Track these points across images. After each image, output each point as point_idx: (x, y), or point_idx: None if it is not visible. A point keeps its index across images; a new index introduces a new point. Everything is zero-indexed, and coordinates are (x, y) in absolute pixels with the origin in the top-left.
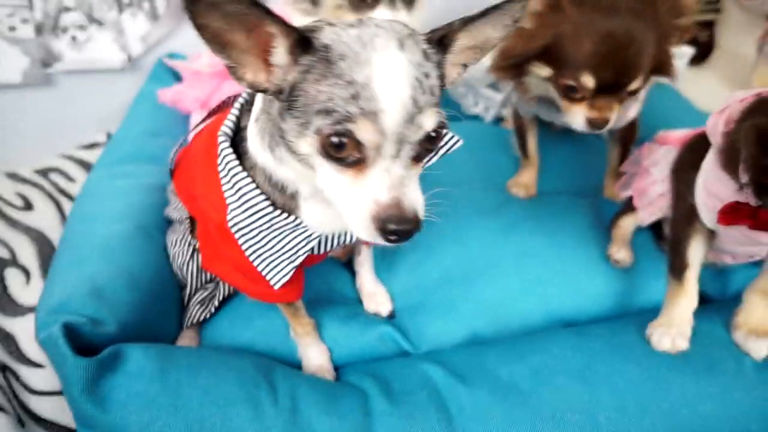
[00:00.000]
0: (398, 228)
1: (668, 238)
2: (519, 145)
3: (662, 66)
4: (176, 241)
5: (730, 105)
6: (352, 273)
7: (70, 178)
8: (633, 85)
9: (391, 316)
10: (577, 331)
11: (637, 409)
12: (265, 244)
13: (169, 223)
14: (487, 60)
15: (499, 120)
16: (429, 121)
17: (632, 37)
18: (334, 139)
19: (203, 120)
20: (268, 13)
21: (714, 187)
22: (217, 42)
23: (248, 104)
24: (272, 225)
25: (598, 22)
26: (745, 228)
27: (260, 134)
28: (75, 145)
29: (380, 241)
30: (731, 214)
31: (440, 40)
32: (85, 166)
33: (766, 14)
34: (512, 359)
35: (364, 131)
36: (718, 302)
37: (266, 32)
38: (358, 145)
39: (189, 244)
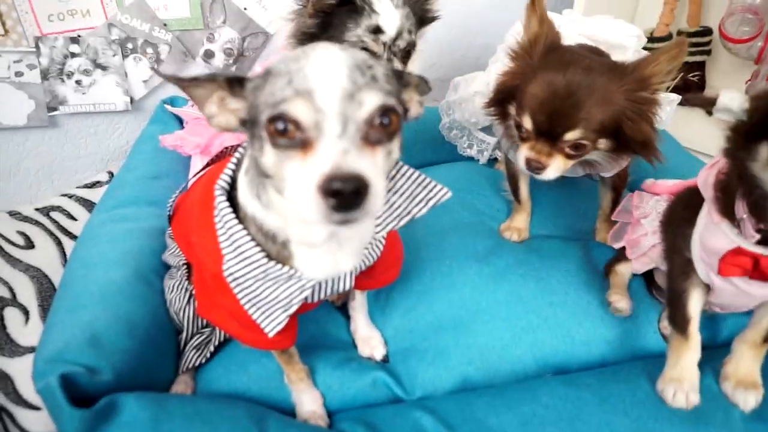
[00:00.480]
0: (340, 187)
1: (666, 292)
2: (512, 190)
3: (643, 144)
4: (173, 286)
5: (721, 159)
6: (347, 317)
7: (71, 216)
8: (568, 136)
9: (385, 360)
10: (567, 380)
11: None
12: (260, 294)
13: (166, 267)
14: (481, 104)
15: (493, 161)
16: (370, 98)
17: (573, 91)
18: (278, 125)
19: (202, 169)
20: (205, 79)
21: (711, 242)
22: (195, 101)
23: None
24: (267, 275)
25: (551, 71)
26: (740, 281)
27: (249, 184)
28: (76, 183)
29: (330, 217)
30: (732, 263)
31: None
32: (87, 204)
33: (753, 58)
34: (502, 408)
35: (299, 109)
36: (708, 349)
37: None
38: (296, 123)
39: (186, 290)
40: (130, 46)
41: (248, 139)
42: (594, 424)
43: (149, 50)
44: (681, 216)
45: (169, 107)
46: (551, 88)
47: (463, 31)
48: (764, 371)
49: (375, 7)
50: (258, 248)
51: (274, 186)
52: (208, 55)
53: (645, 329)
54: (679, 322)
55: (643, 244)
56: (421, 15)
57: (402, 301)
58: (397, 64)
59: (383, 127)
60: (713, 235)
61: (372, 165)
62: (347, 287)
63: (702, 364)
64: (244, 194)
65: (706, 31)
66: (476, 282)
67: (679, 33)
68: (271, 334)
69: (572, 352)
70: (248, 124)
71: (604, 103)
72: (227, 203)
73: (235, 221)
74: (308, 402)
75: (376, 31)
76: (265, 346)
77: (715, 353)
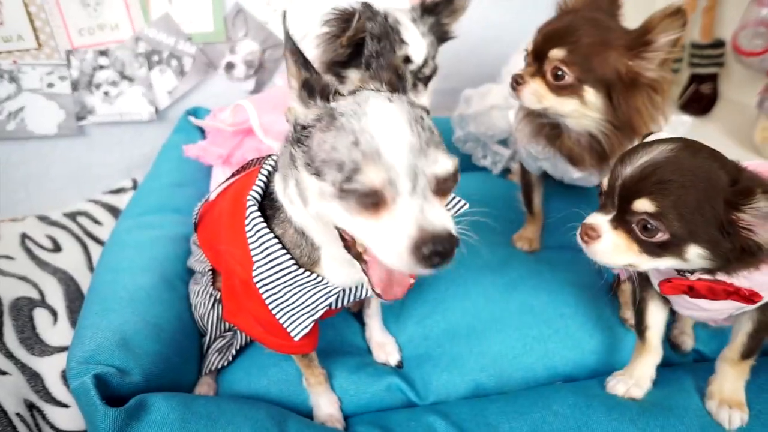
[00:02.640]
0: (436, 249)
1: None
2: (525, 201)
3: (631, 120)
4: (198, 292)
5: None
6: (362, 323)
7: (97, 221)
8: (552, 53)
9: (400, 366)
10: (576, 388)
11: None
12: (288, 299)
13: (191, 273)
14: (498, 121)
15: (506, 171)
16: (440, 155)
17: (575, 23)
18: (352, 189)
19: (228, 179)
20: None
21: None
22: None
23: (275, 169)
24: (296, 281)
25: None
26: (685, 298)
27: (282, 182)
28: (102, 190)
29: (424, 271)
30: (669, 285)
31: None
32: (112, 210)
33: (766, 70)
34: (514, 415)
35: (373, 174)
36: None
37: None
38: (375, 194)
39: (210, 295)
40: (155, 58)
41: (291, 154)
42: (601, 430)
43: (174, 62)
44: None
45: (192, 119)
46: (559, 17)
47: (478, 42)
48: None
49: (404, 37)
50: (288, 255)
51: (315, 218)
52: (230, 67)
53: None
54: (639, 329)
55: None
56: (440, 36)
57: (417, 309)
58: (421, 88)
59: (447, 178)
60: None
61: (442, 207)
62: (369, 293)
63: (706, 377)
64: (279, 192)
65: (719, 44)
66: (490, 292)
67: (693, 46)
68: (297, 338)
69: (582, 362)
70: (298, 131)
71: (599, 44)
72: (259, 214)
73: (267, 230)
74: (325, 405)
75: (406, 60)
76: (289, 351)
77: None
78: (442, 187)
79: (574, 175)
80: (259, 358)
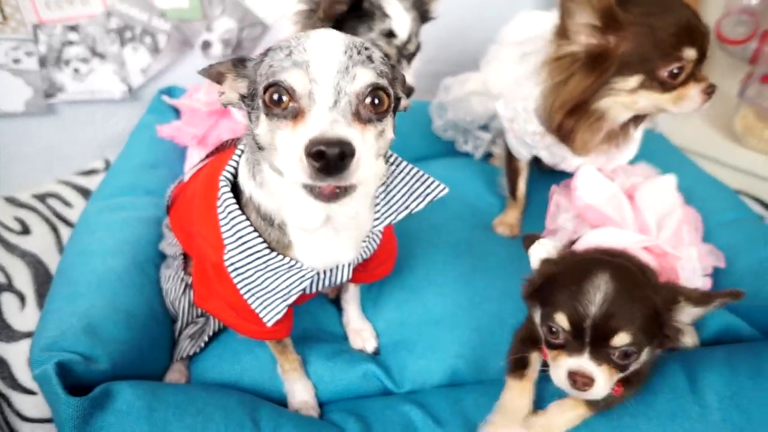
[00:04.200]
0: (324, 149)
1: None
2: (509, 186)
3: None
4: (169, 276)
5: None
6: (340, 309)
7: (67, 203)
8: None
9: (376, 353)
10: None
11: None
12: (261, 284)
13: (163, 257)
14: (477, 106)
15: (487, 156)
16: (363, 74)
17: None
18: (274, 95)
19: (202, 160)
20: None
21: None
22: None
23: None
24: (268, 265)
25: (669, 12)
26: None
27: (246, 164)
28: (73, 171)
29: (313, 178)
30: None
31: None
32: (83, 192)
33: (748, 58)
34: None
35: (294, 78)
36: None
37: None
38: (291, 92)
39: (182, 280)
40: (128, 34)
41: (247, 115)
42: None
43: (147, 39)
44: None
45: (166, 98)
46: (683, 12)
47: (462, 26)
48: None
49: (387, 11)
50: (260, 238)
51: (266, 160)
52: (207, 45)
53: None
54: (514, 367)
55: None
56: (422, 15)
57: (394, 295)
58: (406, 67)
59: (374, 105)
60: None
61: (360, 137)
62: (345, 279)
63: (676, 365)
64: (243, 176)
65: None
66: (469, 277)
67: None
68: (269, 324)
69: None
70: (248, 98)
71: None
72: (231, 194)
73: (238, 211)
74: (300, 392)
75: (389, 35)
76: (262, 336)
77: (689, 355)
78: (366, 112)
79: (573, 162)
80: (233, 344)
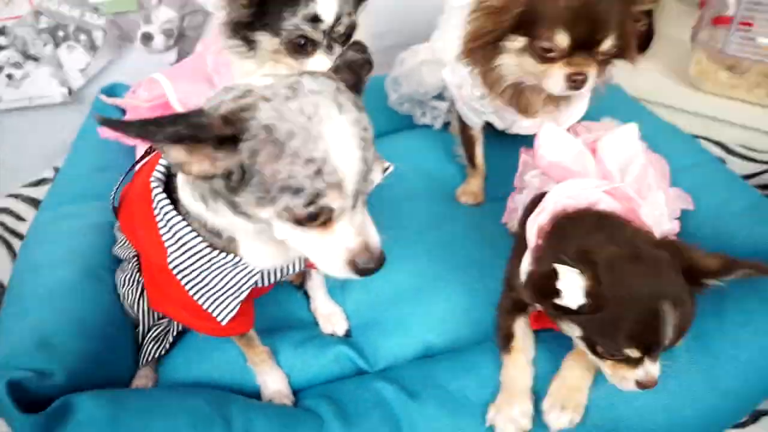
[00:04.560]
0: (371, 265)
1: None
2: (466, 155)
3: (624, 49)
4: (125, 280)
5: (546, 208)
6: (307, 296)
7: (19, 218)
8: (606, 43)
9: (348, 335)
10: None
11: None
12: (208, 283)
13: (118, 262)
14: (428, 77)
15: (447, 125)
16: (377, 175)
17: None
18: (311, 212)
19: (141, 158)
20: (193, 137)
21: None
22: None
23: None
24: (212, 264)
25: None
26: None
27: (190, 188)
28: (22, 182)
29: (353, 277)
30: (538, 320)
31: (355, 86)
32: (35, 203)
33: (697, 3)
34: (461, 372)
35: (334, 200)
36: None
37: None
38: (329, 213)
39: (138, 282)
40: (61, 33)
41: (221, 181)
42: (547, 378)
43: (83, 37)
44: (517, 251)
45: (105, 98)
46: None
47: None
48: None
49: None
50: (200, 239)
51: (239, 215)
52: (147, 38)
53: None
54: (503, 342)
55: (513, 218)
56: None
57: None
58: (338, 49)
59: None
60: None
61: (371, 220)
62: (297, 269)
63: None
64: (185, 195)
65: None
66: (434, 250)
67: None
68: (224, 322)
69: None
70: (234, 176)
71: (619, 19)
72: (164, 195)
73: (174, 212)
74: (272, 382)
75: (314, 19)
76: (222, 333)
77: None
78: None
79: (523, 123)
80: (200, 342)
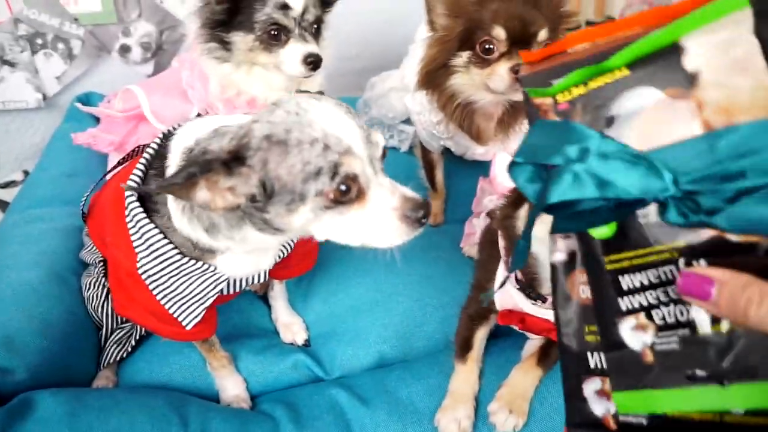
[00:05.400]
0: (421, 212)
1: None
2: (427, 177)
3: None
4: (90, 284)
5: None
6: (269, 305)
7: None
8: (541, 35)
9: (307, 345)
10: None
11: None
12: (175, 289)
13: (84, 266)
14: (396, 102)
15: (413, 148)
16: (379, 137)
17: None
18: (342, 187)
19: (114, 167)
20: (193, 175)
21: (498, 295)
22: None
23: (156, 158)
24: (181, 271)
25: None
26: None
27: (188, 219)
28: None
29: (412, 234)
30: (507, 318)
31: None
32: (3, 205)
33: None
34: (411, 380)
35: (352, 165)
36: None
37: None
38: (355, 178)
39: (103, 287)
40: (39, 41)
41: (244, 206)
42: (492, 389)
43: (60, 45)
44: (488, 252)
45: (80, 105)
46: (515, 1)
47: (385, 22)
48: None
49: None
50: (170, 245)
51: (271, 232)
52: (125, 50)
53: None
54: (460, 351)
55: (470, 242)
56: None
57: (322, 287)
58: (310, 39)
59: (383, 155)
60: (502, 294)
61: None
62: (262, 280)
63: None
64: (178, 220)
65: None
66: (392, 266)
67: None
68: (188, 327)
69: None
70: (257, 195)
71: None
72: (138, 204)
73: (146, 220)
74: (231, 387)
75: (284, 7)
76: (185, 338)
77: None
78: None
79: (477, 150)
80: (161, 346)
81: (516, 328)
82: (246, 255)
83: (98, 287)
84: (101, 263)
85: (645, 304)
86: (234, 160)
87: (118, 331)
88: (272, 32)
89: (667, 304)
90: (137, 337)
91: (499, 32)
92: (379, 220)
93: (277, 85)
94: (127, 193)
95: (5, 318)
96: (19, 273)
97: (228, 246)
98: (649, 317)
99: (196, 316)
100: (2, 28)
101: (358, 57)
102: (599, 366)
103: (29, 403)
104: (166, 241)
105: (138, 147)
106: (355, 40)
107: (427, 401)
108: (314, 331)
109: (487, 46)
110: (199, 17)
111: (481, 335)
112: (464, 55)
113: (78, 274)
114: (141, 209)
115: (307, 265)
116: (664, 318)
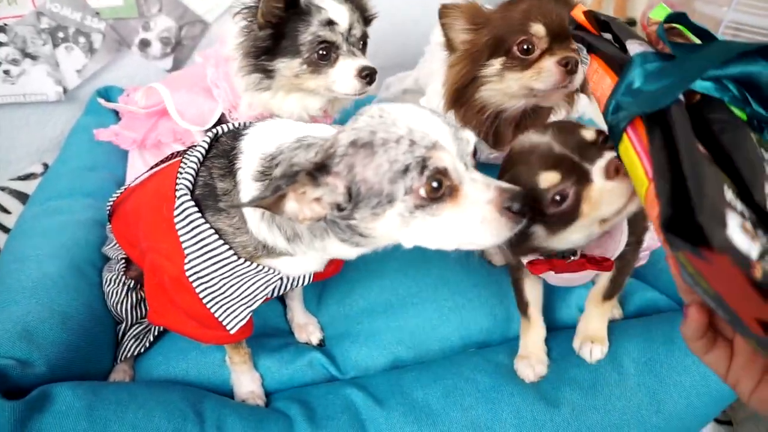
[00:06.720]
0: (521, 203)
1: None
2: None
3: None
4: (111, 279)
5: None
6: (285, 305)
7: (5, 210)
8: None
9: (321, 345)
10: (487, 354)
11: (533, 424)
12: (224, 291)
13: (106, 259)
14: (415, 100)
15: None
16: (468, 133)
17: None
18: (433, 183)
19: (147, 171)
20: (280, 187)
21: None
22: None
23: (220, 156)
24: (234, 272)
25: (526, 1)
26: (553, 274)
27: (268, 225)
28: (10, 176)
29: (515, 228)
30: (535, 265)
31: None
32: (20, 196)
33: None
34: (427, 382)
35: (441, 159)
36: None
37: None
38: (445, 172)
39: (123, 284)
40: (61, 35)
41: (330, 216)
42: (507, 393)
43: (81, 39)
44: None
45: (103, 102)
46: (541, 1)
47: (402, 20)
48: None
49: (321, 4)
50: (226, 246)
51: (355, 242)
52: (145, 44)
53: (558, 305)
54: (520, 307)
55: None
56: (362, 13)
57: (338, 289)
58: (359, 54)
59: (473, 153)
60: None
61: None
62: (307, 282)
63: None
64: (258, 228)
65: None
66: (406, 268)
67: None
68: (233, 331)
69: (494, 329)
70: (342, 202)
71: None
72: (192, 202)
73: (201, 219)
74: (247, 383)
75: (330, 23)
76: (225, 342)
77: (613, 326)
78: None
79: (491, 155)
80: (179, 341)
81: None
82: (307, 257)
83: (118, 284)
84: (123, 260)
85: None
86: (320, 169)
87: (137, 326)
88: (320, 51)
89: None
90: (155, 333)
91: (539, 29)
92: (477, 217)
93: (313, 107)
94: (180, 192)
95: (25, 310)
96: (39, 265)
97: (303, 251)
98: None
99: (241, 320)
100: (25, 21)
101: (373, 56)
102: (736, 206)
103: (48, 396)
104: (221, 242)
105: (172, 154)
106: (372, 40)
107: (443, 403)
108: (329, 332)
109: (525, 47)
110: (241, 48)
111: (530, 289)
112: (496, 63)
113: (97, 268)
114: (195, 208)
115: (336, 267)
116: None
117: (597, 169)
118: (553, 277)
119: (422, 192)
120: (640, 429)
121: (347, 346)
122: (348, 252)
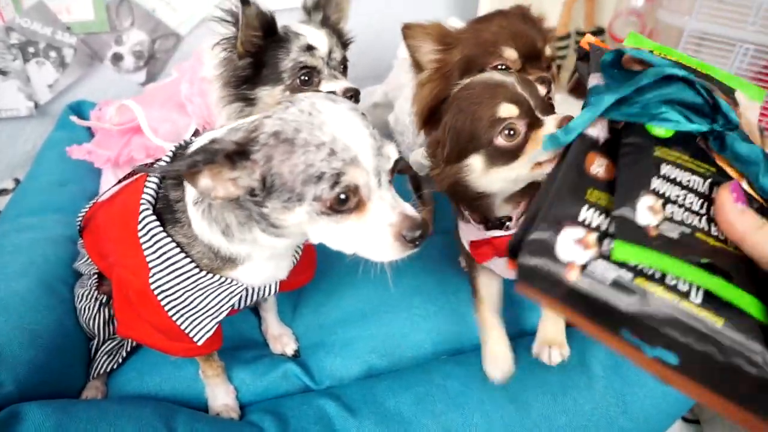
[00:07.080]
0: (418, 233)
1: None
2: (414, 189)
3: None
4: (83, 295)
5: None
6: (259, 317)
7: None
8: (548, 49)
9: (296, 356)
10: (457, 360)
11: (504, 427)
12: (189, 304)
13: (77, 275)
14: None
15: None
16: (392, 149)
17: (526, 16)
18: (341, 196)
19: (116, 184)
20: (196, 163)
21: (463, 232)
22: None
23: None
24: (197, 285)
25: (495, 21)
26: (500, 263)
27: (208, 222)
28: None
29: (405, 253)
30: (478, 250)
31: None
32: None
33: None
34: (399, 390)
35: (355, 176)
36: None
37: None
38: (356, 190)
39: (96, 299)
40: (31, 50)
41: (243, 199)
42: (477, 398)
43: (52, 54)
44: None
45: (76, 119)
46: (511, 19)
47: (376, 34)
48: None
49: (299, 31)
50: (188, 259)
51: (268, 231)
52: (117, 58)
53: (529, 313)
54: (476, 305)
55: None
56: (338, 37)
57: (312, 299)
58: (340, 77)
59: (393, 168)
60: (466, 230)
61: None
62: (273, 292)
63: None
64: (201, 228)
65: (600, 31)
66: (379, 277)
67: (578, 33)
68: (200, 343)
69: (466, 335)
70: (257, 189)
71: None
72: (154, 216)
73: (164, 234)
74: (222, 396)
75: (309, 48)
76: (193, 354)
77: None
78: (389, 174)
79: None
80: (152, 356)
81: (496, 263)
82: (265, 262)
83: (90, 300)
84: (95, 275)
85: (668, 195)
86: (239, 153)
87: (109, 342)
88: (302, 77)
89: (683, 207)
90: (128, 349)
91: (510, 52)
92: (374, 234)
93: None
94: (142, 207)
95: None
96: (7, 283)
97: (247, 252)
98: (664, 207)
99: (208, 331)
100: None
101: (353, 68)
102: (591, 222)
103: (17, 416)
104: (183, 254)
105: (141, 165)
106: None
107: (415, 410)
108: (303, 342)
109: (501, 67)
110: (221, 78)
111: (485, 286)
112: (477, 162)
113: (68, 284)
114: (157, 222)
115: (307, 277)
116: (673, 214)
117: (551, 119)
118: (505, 269)
119: (329, 203)
120: (608, 430)
121: (322, 356)
122: (276, 244)
